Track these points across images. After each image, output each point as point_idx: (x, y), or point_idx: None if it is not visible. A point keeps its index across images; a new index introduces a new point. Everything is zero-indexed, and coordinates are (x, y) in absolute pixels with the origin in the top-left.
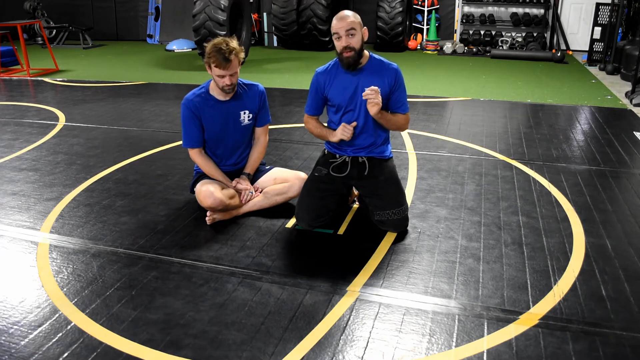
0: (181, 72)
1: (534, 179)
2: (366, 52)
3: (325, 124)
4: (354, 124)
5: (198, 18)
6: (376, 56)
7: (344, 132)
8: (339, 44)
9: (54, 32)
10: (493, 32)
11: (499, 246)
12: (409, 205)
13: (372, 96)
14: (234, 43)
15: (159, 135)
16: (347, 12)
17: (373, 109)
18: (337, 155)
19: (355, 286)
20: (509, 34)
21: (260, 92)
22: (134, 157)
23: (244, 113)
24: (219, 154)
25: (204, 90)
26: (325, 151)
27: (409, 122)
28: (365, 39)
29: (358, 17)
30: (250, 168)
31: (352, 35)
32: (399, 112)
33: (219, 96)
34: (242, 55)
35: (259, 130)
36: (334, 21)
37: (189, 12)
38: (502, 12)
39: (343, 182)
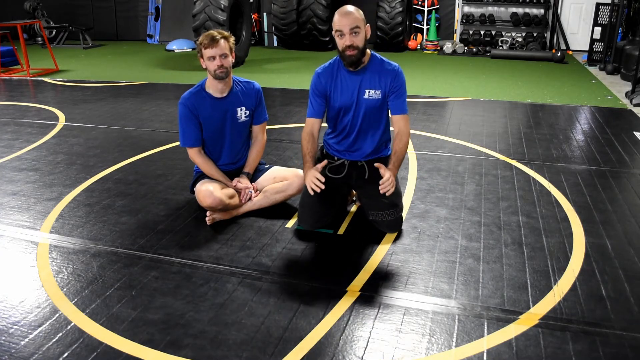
0: (181, 72)
1: (534, 179)
2: (367, 50)
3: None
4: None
5: (198, 18)
6: (377, 55)
7: (313, 183)
8: (341, 42)
9: (54, 32)
10: (493, 32)
11: (499, 246)
12: (409, 206)
13: (389, 188)
14: (224, 33)
15: (159, 135)
16: (350, 8)
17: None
18: (335, 158)
19: (355, 286)
20: (509, 34)
21: (257, 89)
22: (134, 157)
23: (241, 110)
24: (217, 152)
25: (200, 87)
26: (324, 151)
27: (409, 123)
28: (368, 36)
29: (361, 12)
30: (249, 167)
31: (356, 33)
32: (398, 113)
33: (215, 93)
34: (233, 40)
35: (256, 129)
36: (337, 17)
37: (189, 12)
38: (502, 12)
39: (342, 182)
